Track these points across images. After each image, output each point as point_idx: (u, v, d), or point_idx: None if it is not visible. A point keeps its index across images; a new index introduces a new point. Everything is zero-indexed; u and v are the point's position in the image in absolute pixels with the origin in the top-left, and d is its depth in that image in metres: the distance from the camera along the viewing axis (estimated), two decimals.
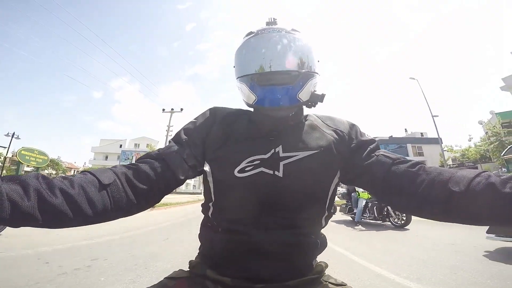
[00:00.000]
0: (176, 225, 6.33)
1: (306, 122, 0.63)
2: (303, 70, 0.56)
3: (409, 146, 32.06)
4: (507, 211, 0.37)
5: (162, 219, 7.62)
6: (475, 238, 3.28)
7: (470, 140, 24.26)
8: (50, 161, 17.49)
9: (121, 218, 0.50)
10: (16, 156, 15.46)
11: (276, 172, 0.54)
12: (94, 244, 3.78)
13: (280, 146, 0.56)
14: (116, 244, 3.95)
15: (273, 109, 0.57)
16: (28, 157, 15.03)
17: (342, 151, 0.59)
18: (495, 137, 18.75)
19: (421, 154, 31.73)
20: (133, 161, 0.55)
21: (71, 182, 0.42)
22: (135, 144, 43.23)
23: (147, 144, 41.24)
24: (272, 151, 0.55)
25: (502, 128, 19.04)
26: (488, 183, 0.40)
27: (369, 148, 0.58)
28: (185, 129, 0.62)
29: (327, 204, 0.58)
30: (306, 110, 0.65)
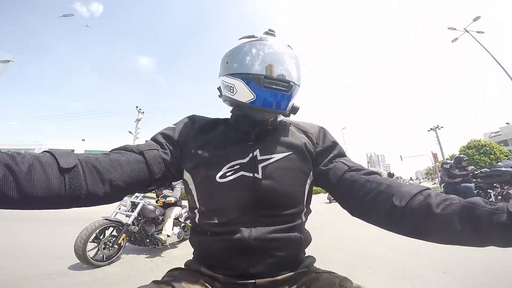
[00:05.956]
0: None
1: (281, 127, 0.68)
2: (298, 84, 0.62)
3: None
4: (435, 230, 0.41)
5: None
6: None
7: None
8: None
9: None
10: None
11: (256, 174, 0.57)
12: None
13: (258, 150, 0.60)
14: None
15: (265, 110, 0.60)
16: None
17: (312, 152, 0.64)
18: None
19: None
20: None
21: (22, 158, 0.39)
22: None
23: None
24: (250, 155, 0.59)
25: None
26: (425, 202, 0.43)
27: (332, 154, 0.64)
28: (164, 133, 0.64)
29: (305, 201, 0.62)
30: (280, 117, 0.70)
